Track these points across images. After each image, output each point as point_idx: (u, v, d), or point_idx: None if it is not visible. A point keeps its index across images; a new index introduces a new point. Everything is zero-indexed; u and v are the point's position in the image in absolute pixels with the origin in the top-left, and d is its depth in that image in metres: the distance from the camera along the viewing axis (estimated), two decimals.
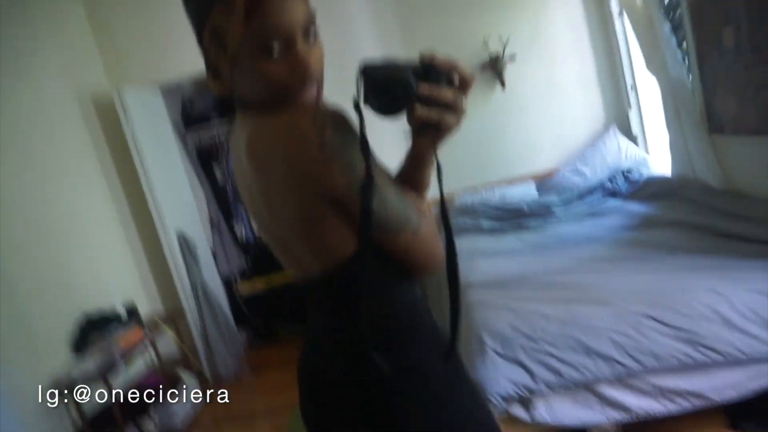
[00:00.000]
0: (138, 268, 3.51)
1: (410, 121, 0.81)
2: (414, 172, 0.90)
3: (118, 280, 3.26)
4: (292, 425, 2.71)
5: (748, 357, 1.78)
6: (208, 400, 3.28)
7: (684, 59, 2.88)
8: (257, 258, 4.29)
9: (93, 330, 2.76)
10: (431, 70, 0.79)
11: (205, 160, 4.27)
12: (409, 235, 0.84)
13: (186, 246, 3.48)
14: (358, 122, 0.78)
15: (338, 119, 0.80)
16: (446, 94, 0.79)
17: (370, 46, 3.55)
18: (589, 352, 1.85)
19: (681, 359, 1.81)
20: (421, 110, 0.79)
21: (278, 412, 2.91)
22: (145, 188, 3.35)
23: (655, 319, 1.84)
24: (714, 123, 2.70)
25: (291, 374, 3.70)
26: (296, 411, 3.15)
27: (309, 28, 0.83)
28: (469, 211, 3.55)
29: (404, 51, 3.55)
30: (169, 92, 3.90)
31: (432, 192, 0.91)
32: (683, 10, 2.72)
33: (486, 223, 3.41)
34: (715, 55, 2.53)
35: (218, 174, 4.28)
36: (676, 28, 2.87)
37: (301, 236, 0.86)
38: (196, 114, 4.27)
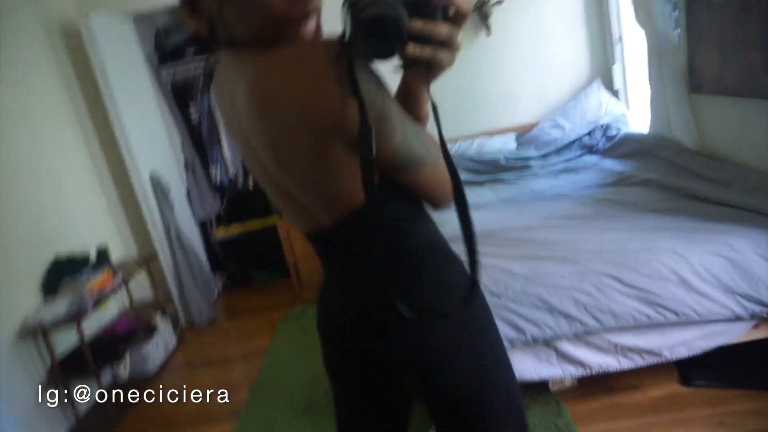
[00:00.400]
0: (110, 210, 3.46)
1: (400, 57, 0.75)
2: (408, 107, 0.85)
3: (90, 223, 3.21)
4: (264, 370, 2.77)
5: (701, 317, 1.84)
6: (180, 345, 3.34)
7: (673, 13, 2.80)
8: (233, 202, 4.25)
9: (63, 273, 2.74)
10: (425, 3, 0.71)
11: (180, 99, 4.12)
12: (431, 167, 0.82)
13: (159, 188, 3.42)
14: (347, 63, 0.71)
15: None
16: (441, 30, 0.71)
17: None
18: (551, 309, 1.89)
19: (638, 318, 1.86)
20: (413, 49, 0.71)
21: (251, 357, 2.97)
22: (115, 126, 3.24)
23: (616, 279, 1.88)
24: (695, 82, 2.66)
25: (264, 320, 3.76)
26: (269, 356, 3.18)
27: None
28: None
29: None
30: (141, 22, 3.71)
31: None
32: None
33: (462, 175, 3.39)
34: (704, 9, 2.46)
35: (194, 114, 4.14)
36: None
37: (314, 183, 0.82)
38: (171, 48, 4.07)
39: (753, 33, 2.18)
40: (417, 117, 0.86)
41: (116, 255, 3.24)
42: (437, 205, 0.89)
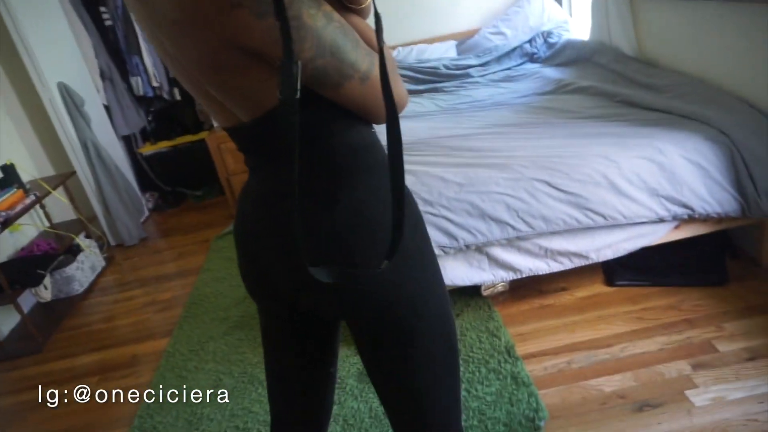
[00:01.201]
0: (17, 126, 3.14)
1: None
2: (343, 2, 0.73)
3: None
4: (198, 287, 2.70)
5: (627, 220, 1.88)
6: (109, 265, 3.20)
7: None
8: (160, 116, 3.96)
9: None
10: None
11: (90, 2, 3.69)
12: (356, 83, 0.70)
13: (70, 100, 3.11)
14: None
15: None
16: None
17: None
18: (484, 216, 1.88)
19: (568, 222, 1.88)
20: None
21: (185, 275, 2.89)
22: (12, 32, 2.87)
23: (548, 184, 1.87)
24: None
25: (198, 238, 3.62)
26: (203, 274, 3.09)
27: None
28: None
29: None
30: None
31: None
32: None
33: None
34: None
35: (106, 18, 3.72)
36: None
37: (221, 85, 0.72)
38: None
39: None
40: (355, 11, 0.75)
41: (29, 174, 2.99)
42: (371, 120, 0.79)
